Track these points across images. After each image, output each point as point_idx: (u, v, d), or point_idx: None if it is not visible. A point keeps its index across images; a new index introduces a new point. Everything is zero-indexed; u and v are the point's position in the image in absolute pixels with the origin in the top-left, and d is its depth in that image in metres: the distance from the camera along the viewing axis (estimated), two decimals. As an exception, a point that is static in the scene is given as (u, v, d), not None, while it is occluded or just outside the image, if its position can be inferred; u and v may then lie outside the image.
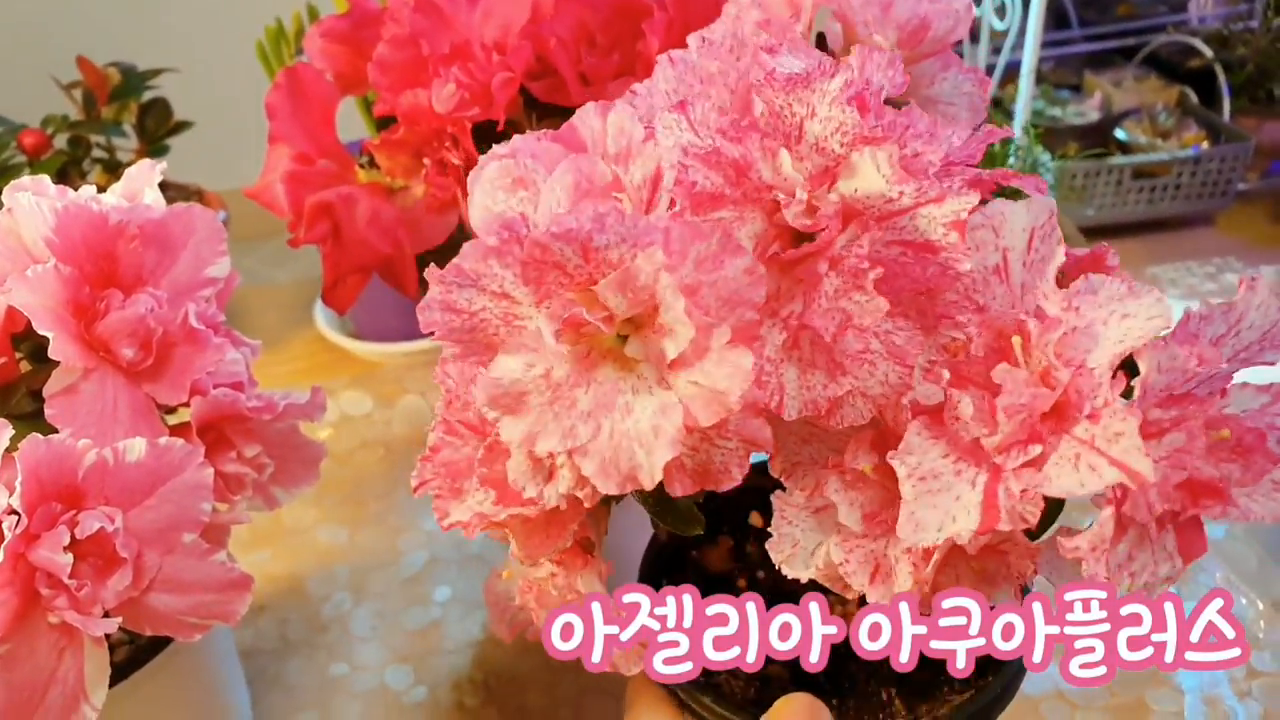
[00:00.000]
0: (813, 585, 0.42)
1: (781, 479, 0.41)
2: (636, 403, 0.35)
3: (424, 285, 0.72)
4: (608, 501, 0.51)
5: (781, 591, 0.62)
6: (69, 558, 0.46)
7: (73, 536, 0.47)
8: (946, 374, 0.35)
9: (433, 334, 0.37)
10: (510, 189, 0.40)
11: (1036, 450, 0.33)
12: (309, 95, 0.67)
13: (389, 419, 1.06)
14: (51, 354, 0.49)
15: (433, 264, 0.37)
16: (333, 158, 0.67)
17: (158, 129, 1.06)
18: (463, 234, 0.71)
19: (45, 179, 0.54)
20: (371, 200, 0.65)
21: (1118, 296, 0.35)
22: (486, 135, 0.67)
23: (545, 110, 0.68)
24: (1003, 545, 0.37)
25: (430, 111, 0.65)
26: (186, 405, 0.55)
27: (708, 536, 0.64)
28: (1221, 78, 1.41)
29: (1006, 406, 0.34)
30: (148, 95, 1.08)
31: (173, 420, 0.57)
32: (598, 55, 0.67)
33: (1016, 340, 0.34)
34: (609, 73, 0.66)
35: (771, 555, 0.41)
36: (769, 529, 0.42)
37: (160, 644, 0.59)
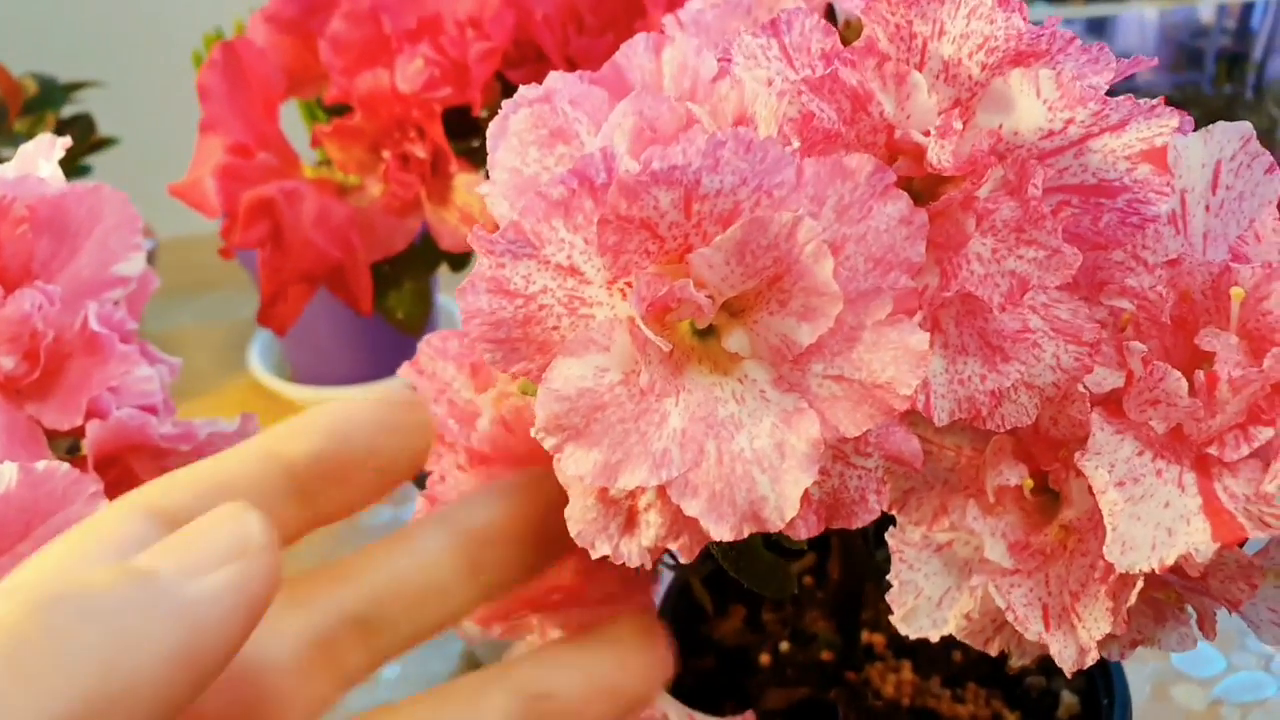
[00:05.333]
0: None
1: (893, 511, 0.32)
2: (745, 414, 0.26)
3: (379, 300, 0.62)
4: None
5: (811, 668, 0.54)
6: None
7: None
8: (1139, 346, 0.26)
9: (472, 326, 0.27)
10: (546, 144, 0.30)
11: (1266, 435, 0.24)
12: (249, 76, 0.57)
13: (330, 476, 0.95)
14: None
15: (473, 229, 0.27)
16: (275, 150, 0.57)
17: (78, 147, 0.95)
18: (426, 242, 0.61)
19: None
20: (320, 197, 0.55)
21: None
22: (457, 126, 0.58)
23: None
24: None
25: (392, 95, 0.55)
26: (80, 434, 0.44)
27: (718, 607, 0.58)
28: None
29: (1234, 379, 0.24)
30: (69, 110, 0.98)
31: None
32: (588, 36, 0.58)
33: (1237, 293, 0.25)
34: (601, 56, 0.57)
35: (893, 608, 0.32)
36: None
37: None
